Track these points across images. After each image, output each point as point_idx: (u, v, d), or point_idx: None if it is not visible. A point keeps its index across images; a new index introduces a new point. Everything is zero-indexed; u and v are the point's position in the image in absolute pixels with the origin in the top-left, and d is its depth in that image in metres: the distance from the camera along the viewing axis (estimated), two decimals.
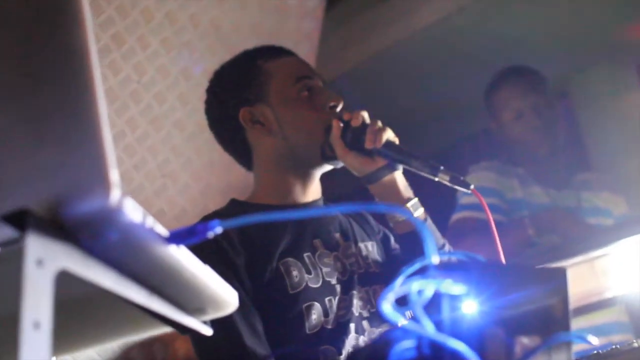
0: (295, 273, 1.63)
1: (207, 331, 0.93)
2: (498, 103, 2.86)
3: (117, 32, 2.27)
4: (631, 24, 3.89)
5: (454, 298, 0.74)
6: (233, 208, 1.79)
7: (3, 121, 0.70)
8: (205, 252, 1.58)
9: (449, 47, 3.68)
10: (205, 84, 1.90)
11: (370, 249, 1.81)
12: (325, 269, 1.69)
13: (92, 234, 0.70)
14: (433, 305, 0.73)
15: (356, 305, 1.68)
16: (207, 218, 1.70)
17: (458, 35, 3.61)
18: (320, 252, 1.71)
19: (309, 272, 1.65)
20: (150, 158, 2.45)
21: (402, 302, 0.76)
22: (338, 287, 1.68)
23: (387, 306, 0.70)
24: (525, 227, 2.58)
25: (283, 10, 2.68)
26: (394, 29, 3.63)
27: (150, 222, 0.72)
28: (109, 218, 0.68)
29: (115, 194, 0.66)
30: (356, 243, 1.80)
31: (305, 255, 1.68)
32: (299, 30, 2.74)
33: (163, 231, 0.75)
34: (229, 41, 1.90)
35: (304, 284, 1.63)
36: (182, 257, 0.78)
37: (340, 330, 1.63)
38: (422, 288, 0.71)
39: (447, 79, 3.83)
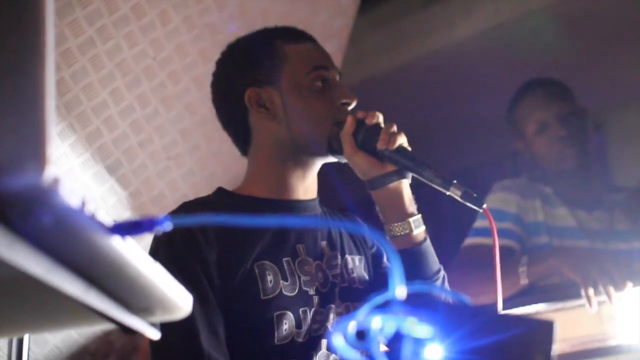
0: (270, 278, 1.53)
1: (154, 334, 0.85)
2: (520, 117, 2.69)
3: (138, 4, 2.20)
4: None
5: (418, 340, 0.65)
6: (218, 197, 1.71)
7: None
8: (176, 241, 1.52)
9: (484, 64, 3.61)
10: None
11: (357, 263, 1.71)
12: (304, 278, 1.58)
13: (22, 213, 0.62)
14: (393, 345, 0.65)
15: (332, 320, 1.59)
16: (188, 204, 1.64)
17: (494, 52, 3.53)
18: (302, 259, 1.61)
19: (285, 279, 1.55)
20: (157, 138, 2.38)
21: (362, 335, 0.68)
22: (316, 299, 1.58)
23: (339, 339, 0.61)
24: (516, 271, 2.26)
25: (315, 4, 2.61)
26: (429, 40, 3.57)
27: (91, 208, 0.65)
28: (41, 197, 0.60)
29: (49, 172, 0.59)
30: (343, 254, 1.69)
31: (284, 260, 1.58)
32: (329, 26, 2.66)
33: (105, 220, 0.68)
34: (255, 28, 1.82)
35: (278, 291, 1.53)
36: (126, 250, 0.70)
37: (310, 345, 1.54)
38: (383, 324, 0.63)
39: (479, 96, 3.76)
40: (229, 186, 1.78)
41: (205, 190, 2.49)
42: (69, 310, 0.80)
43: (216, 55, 1.82)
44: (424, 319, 0.63)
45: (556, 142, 2.58)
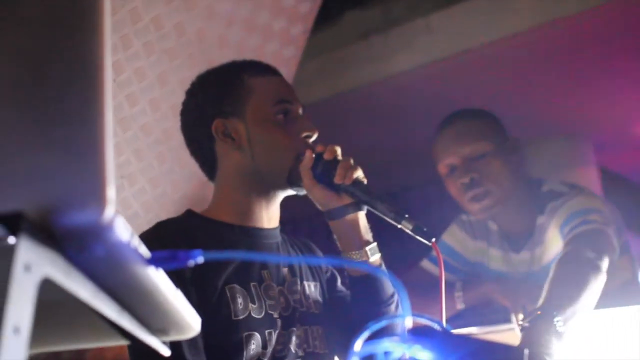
0: (240, 300, 1.61)
1: (166, 352, 0.94)
2: (435, 154, 2.54)
3: None
4: (585, 99, 4.03)
5: None
6: (189, 219, 1.77)
7: (8, 118, 0.70)
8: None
9: (420, 96, 3.74)
10: (180, 93, 1.89)
11: (312, 289, 1.81)
12: (269, 302, 1.67)
13: (80, 246, 0.70)
14: None
15: (294, 342, 1.68)
16: (162, 224, 1.69)
17: (431, 85, 3.67)
18: (267, 284, 1.70)
19: (253, 302, 1.63)
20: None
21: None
22: (279, 322, 1.67)
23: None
24: (452, 296, 2.37)
25: (268, 33, 2.70)
26: (368, 69, 3.66)
27: (136, 242, 0.73)
28: (99, 234, 0.68)
29: (109, 211, 0.67)
30: (302, 281, 1.79)
31: (252, 284, 1.66)
32: (280, 54, 2.76)
33: (145, 253, 0.76)
34: (210, 55, 1.90)
35: (247, 313, 1.61)
36: (159, 279, 0.79)
37: None
38: (391, 350, 0.73)
39: (414, 126, 3.88)
40: (178, 204, 1.84)
41: (155, 208, 2.57)
42: (96, 328, 0.88)
43: (173, 79, 1.89)
44: (426, 346, 0.74)
45: (460, 188, 2.47)
